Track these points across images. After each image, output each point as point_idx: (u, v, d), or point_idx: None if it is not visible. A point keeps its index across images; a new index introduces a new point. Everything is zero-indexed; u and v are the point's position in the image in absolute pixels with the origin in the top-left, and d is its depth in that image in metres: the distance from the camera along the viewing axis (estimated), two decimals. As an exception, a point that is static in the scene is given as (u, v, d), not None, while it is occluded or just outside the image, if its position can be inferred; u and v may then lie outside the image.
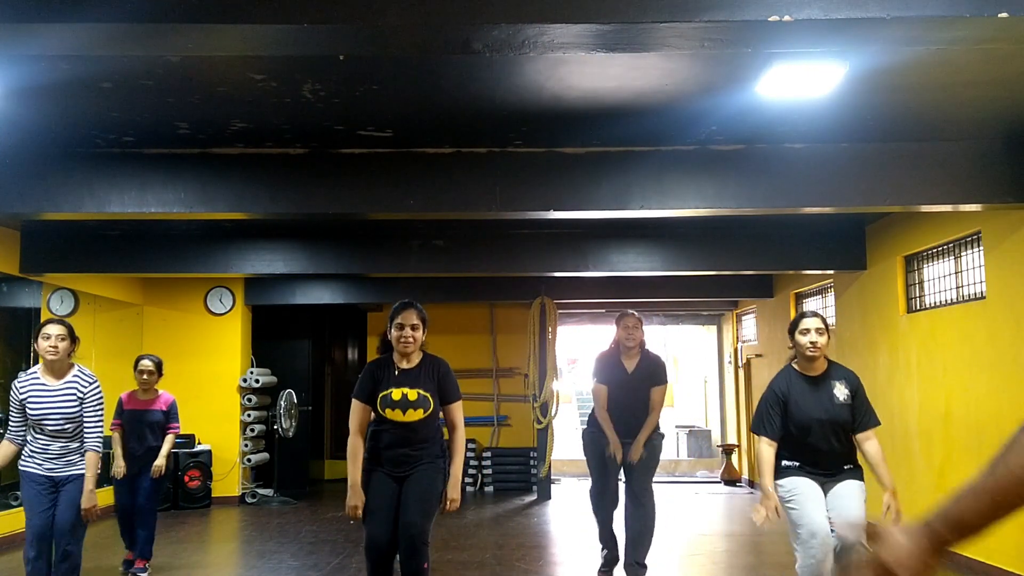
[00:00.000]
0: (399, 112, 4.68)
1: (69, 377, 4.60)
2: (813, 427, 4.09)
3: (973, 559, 6.04)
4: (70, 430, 4.60)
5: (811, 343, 4.09)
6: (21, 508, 8.04)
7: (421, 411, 4.06)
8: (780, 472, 4.18)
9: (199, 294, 9.93)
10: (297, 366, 10.99)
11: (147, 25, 2.82)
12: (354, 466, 4.07)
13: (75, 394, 4.58)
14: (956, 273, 6.52)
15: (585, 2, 2.79)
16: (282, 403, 9.93)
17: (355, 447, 4.09)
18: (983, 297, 6.07)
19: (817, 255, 7.83)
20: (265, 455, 10.23)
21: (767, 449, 4.16)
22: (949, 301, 6.61)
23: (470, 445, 10.85)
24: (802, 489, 4.06)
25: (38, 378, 4.58)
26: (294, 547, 7.07)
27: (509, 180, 5.30)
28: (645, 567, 5.68)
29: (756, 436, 4.30)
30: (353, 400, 4.16)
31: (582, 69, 4.04)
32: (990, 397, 5.91)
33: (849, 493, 4.09)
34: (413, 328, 4.08)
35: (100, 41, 2.97)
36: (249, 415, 9.94)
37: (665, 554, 6.76)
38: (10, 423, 4.67)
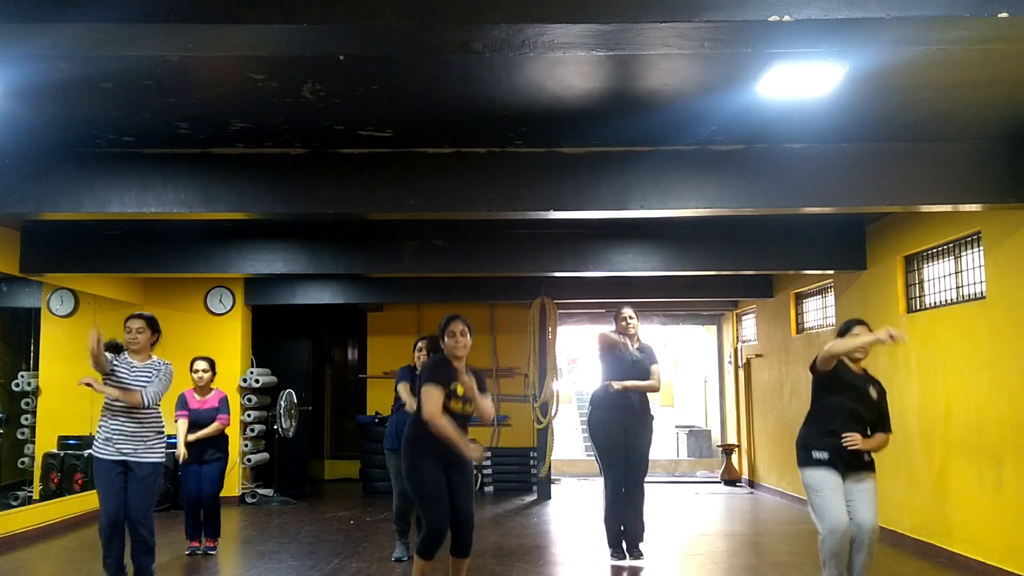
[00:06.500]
0: (399, 112, 4.68)
1: (150, 361, 5.21)
2: (852, 408, 4.72)
3: (973, 559, 6.04)
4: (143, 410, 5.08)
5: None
6: (21, 508, 8.12)
7: (470, 406, 4.66)
8: (811, 463, 4.75)
9: (199, 294, 9.93)
10: (297, 366, 10.99)
11: (147, 25, 2.82)
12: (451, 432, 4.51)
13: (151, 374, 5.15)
14: (956, 273, 6.52)
15: (585, 2, 2.79)
16: (282, 403, 9.93)
17: (446, 422, 4.50)
18: (983, 297, 6.07)
19: (817, 255, 7.83)
20: (265, 455, 10.23)
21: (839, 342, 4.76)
22: (949, 301, 6.61)
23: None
24: (828, 483, 4.69)
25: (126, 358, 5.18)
26: (294, 547, 7.08)
27: (509, 180, 5.31)
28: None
29: (818, 361, 4.77)
30: (433, 386, 4.50)
31: (582, 69, 4.04)
32: (990, 397, 5.91)
33: (869, 495, 4.72)
34: (462, 334, 4.64)
35: (100, 41, 2.98)
36: (249, 415, 9.94)
37: (665, 554, 6.76)
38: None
